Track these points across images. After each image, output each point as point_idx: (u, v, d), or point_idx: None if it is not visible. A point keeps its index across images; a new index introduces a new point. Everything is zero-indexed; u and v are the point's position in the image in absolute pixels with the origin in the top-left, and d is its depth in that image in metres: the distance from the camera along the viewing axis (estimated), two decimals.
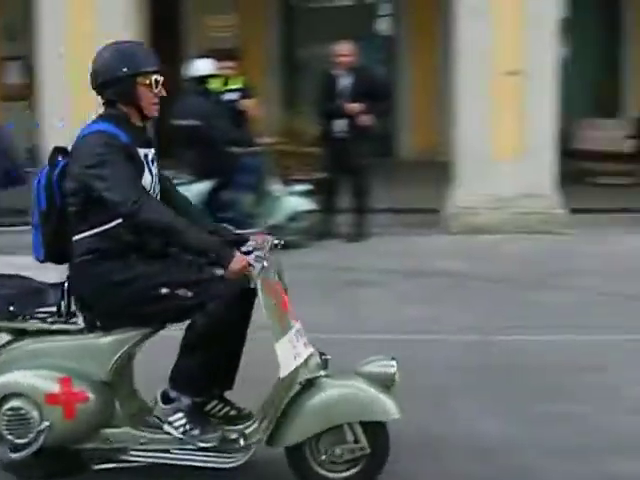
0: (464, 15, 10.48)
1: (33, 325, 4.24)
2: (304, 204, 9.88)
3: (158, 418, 4.26)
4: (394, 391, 4.15)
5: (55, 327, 4.22)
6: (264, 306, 4.05)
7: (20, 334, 4.24)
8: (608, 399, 5.45)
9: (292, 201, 9.82)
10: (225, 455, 4.13)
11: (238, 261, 3.96)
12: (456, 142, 10.83)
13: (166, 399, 4.28)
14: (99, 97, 4.20)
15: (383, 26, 17.69)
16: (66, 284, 4.24)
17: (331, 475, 4.17)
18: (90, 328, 4.19)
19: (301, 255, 8.92)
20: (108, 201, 3.98)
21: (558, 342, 6.49)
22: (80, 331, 4.21)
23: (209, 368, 4.16)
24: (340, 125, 9.95)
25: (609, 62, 17.25)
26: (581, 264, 8.79)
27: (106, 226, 4.10)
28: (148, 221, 3.98)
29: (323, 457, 4.13)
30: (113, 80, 4.08)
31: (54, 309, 4.26)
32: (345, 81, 10.12)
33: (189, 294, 4.06)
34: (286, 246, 4.48)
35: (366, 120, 9.84)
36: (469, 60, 10.43)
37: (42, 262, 4.35)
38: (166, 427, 4.18)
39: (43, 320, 4.25)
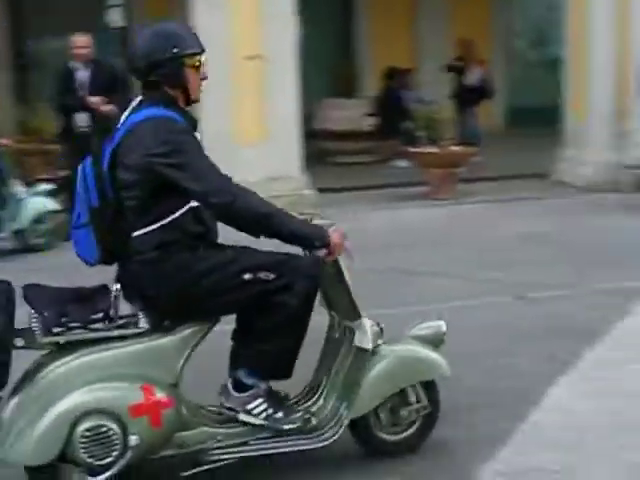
0: (201, 5, 10.37)
1: (94, 335, 3.79)
2: (49, 204, 9.47)
3: (229, 409, 3.97)
4: (443, 350, 4.30)
5: (116, 333, 3.80)
6: (348, 281, 4.02)
7: (66, 347, 3.79)
8: None
9: (36, 202, 9.39)
10: (308, 435, 4.02)
11: (338, 236, 3.84)
12: (200, 129, 10.66)
13: (239, 387, 3.96)
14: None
15: (115, 17, 17.21)
16: (117, 286, 3.83)
17: (392, 438, 4.27)
18: (154, 329, 3.84)
19: (46, 258, 8.58)
20: (192, 191, 3.70)
21: None
22: (141, 334, 3.82)
23: (296, 349, 3.97)
24: (81, 119, 9.61)
25: (345, 42, 17.78)
26: None
27: (170, 218, 3.78)
28: (245, 210, 3.72)
29: (385, 421, 4.21)
30: (162, 61, 3.78)
31: (99, 315, 3.81)
32: (83, 74, 9.78)
33: (271, 276, 3.82)
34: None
35: (108, 111, 9.55)
36: (208, 47, 10.28)
37: (93, 265, 3.93)
38: (243, 416, 3.93)
39: (97, 329, 3.80)
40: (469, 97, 14.63)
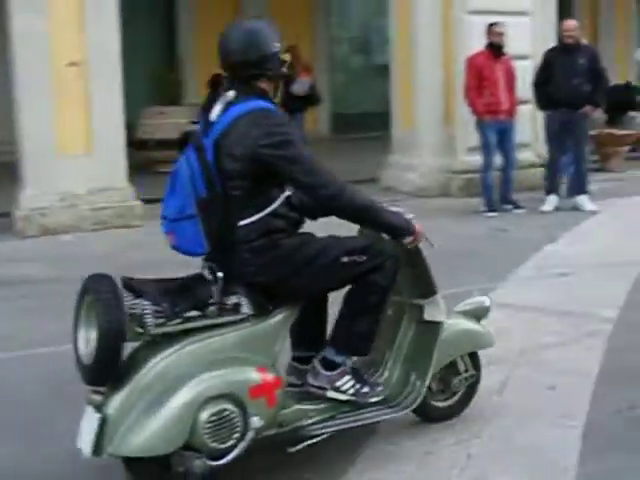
0: (18, 9, 9.83)
1: (202, 322, 3.89)
2: None
3: (318, 387, 4.20)
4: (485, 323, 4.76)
5: (221, 320, 3.91)
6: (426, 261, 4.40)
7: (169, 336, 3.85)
8: None
9: None
10: (388, 405, 4.32)
11: (419, 225, 4.19)
12: (21, 140, 10.17)
13: (327, 366, 4.19)
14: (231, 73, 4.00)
15: None
16: (219, 274, 3.90)
17: (441, 404, 4.63)
18: (258, 314, 3.99)
19: None
20: (302, 183, 3.93)
21: None
22: (244, 319, 3.97)
23: (378, 326, 4.26)
24: None
25: (169, 49, 17.45)
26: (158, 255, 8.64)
27: (273, 206, 3.97)
28: (349, 203, 3.99)
29: (436, 389, 4.56)
30: (267, 57, 3.97)
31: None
32: None
33: (363, 258, 4.09)
34: None
35: None
36: (27, 54, 9.79)
37: (202, 255, 3.98)
38: (331, 393, 4.18)
39: (204, 317, 3.91)
40: (296, 105, 14.58)
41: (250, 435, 3.83)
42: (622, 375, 5.38)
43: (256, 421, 3.83)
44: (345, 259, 4.07)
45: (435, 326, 4.44)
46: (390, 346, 4.53)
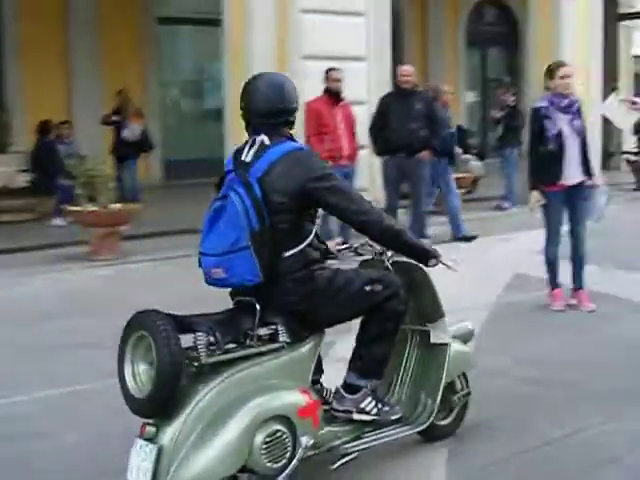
0: None
1: (247, 352, 4.17)
2: None
3: (344, 411, 4.52)
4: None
5: (265, 348, 4.21)
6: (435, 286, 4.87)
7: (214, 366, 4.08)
8: None
9: None
10: (405, 422, 4.75)
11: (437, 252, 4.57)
12: None
13: (350, 389, 4.53)
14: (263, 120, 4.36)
15: None
16: (258, 306, 4.16)
17: (441, 423, 5.01)
18: (294, 341, 4.31)
19: None
20: (349, 212, 4.30)
21: None
22: (281, 347, 4.26)
23: (392, 349, 4.65)
24: None
25: None
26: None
27: (309, 239, 4.34)
28: (387, 228, 4.36)
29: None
30: (295, 108, 4.45)
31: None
32: None
33: (380, 287, 4.43)
34: None
35: None
36: None
37: (255, 285, 4.18)
38: (357, 416, 4.51)
39: (249, 346, 4.19)
40: (127, 151, 14.18)
41: (300, 454, 4.14)
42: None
43: (305, 440, 4.15)
44: (368, 288, 4.43)
45: (443, 348, 4.90)
46: (397, 369, 4.94)
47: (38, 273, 10.10)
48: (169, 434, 3.89)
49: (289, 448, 4.09)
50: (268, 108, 4.35)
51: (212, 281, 4.31)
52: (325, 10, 11.69)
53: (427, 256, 4.53)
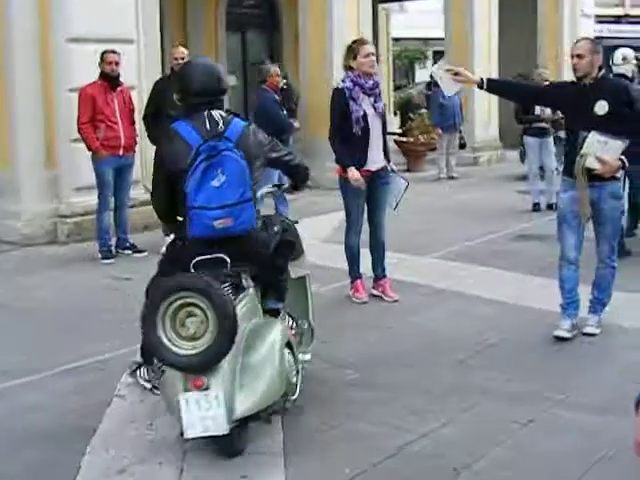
0: None
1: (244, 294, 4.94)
2: None
3: None
4: None
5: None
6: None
7: None
8: None
9: None
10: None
11: None
12: None
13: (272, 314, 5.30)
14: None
15: None
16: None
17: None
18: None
19: None
20: (285, 161, 5.43)
21: None
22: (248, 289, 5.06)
23: None
24: None
25: None
26: None
27: None
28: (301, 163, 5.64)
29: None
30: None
31: None
32: None
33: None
34: None
35: None
36: None
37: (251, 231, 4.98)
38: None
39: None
40: None
41: (302, 371, 5.06)
42: None
43: (305, 357, 5.26)
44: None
45: (303, 279, 5.79)
46: None
47: None
48: (219, 378, 4.39)
49: (294, 367, 4.89)
50: (215, 87, 5.06)
51: (215, 231, 4.76)
52: None
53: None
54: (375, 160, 7.56)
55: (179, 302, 4.42)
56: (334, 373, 5.95)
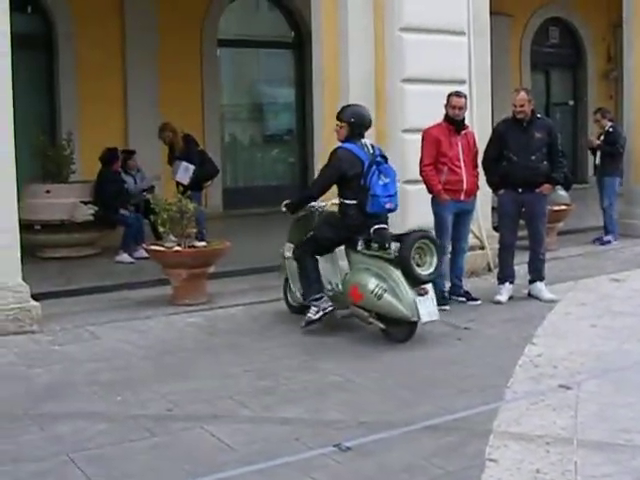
0: None
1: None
2: None
3: None
4: None
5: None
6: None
7: None
8: None
9: None
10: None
11: None
12: None
13: None
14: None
15: None
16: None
17: None
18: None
19: None
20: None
21: None
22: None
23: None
24: None
25: (53, 122, 15.78)
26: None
27: None
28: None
29: None
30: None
31: None
32: None
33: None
34: None
35: None
36: None
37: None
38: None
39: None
40: (190, 182, 12.73)
41: None
42: None
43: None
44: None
45: (291, 259, 8.65)
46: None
47: (113, 321, 9.00)
48: (431, 289, 7.92)
49: None
50: (368, 124, 8.29)
51: (385, 209, 8.08)
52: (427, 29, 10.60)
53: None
54: None
55: (419, 243, 7.85)
56: None
